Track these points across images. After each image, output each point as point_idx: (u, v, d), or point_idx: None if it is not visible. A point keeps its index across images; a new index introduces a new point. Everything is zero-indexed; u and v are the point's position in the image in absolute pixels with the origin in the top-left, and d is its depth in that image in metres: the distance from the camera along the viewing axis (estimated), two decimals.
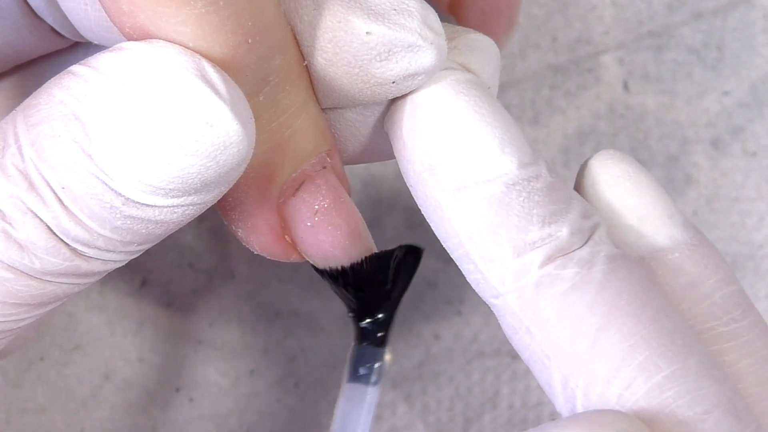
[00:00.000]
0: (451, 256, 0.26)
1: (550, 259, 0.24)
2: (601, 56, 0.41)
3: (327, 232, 0.27)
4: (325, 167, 0.27)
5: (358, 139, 0.28)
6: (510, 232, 0.24)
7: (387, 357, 0.29)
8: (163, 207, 0.23)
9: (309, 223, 0.27)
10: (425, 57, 0.25)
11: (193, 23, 0.22)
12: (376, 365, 0.29)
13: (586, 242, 0.25)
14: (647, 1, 0.41)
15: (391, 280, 0.29)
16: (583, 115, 0.41)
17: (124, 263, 0.24)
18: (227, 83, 0.22)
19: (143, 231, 0.23)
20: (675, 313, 0.24)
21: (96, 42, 0.27)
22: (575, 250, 0.24)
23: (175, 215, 0.23)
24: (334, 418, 0.28)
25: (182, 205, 0.23)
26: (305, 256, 0.27)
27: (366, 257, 0.28)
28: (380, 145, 0.28)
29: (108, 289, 0.39)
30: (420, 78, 0.25)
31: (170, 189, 0.22)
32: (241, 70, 0.23)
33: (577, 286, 0.24)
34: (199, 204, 0.23)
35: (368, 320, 0.29)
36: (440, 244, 0.26)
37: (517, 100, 0.41)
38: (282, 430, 0.40)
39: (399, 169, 0.42)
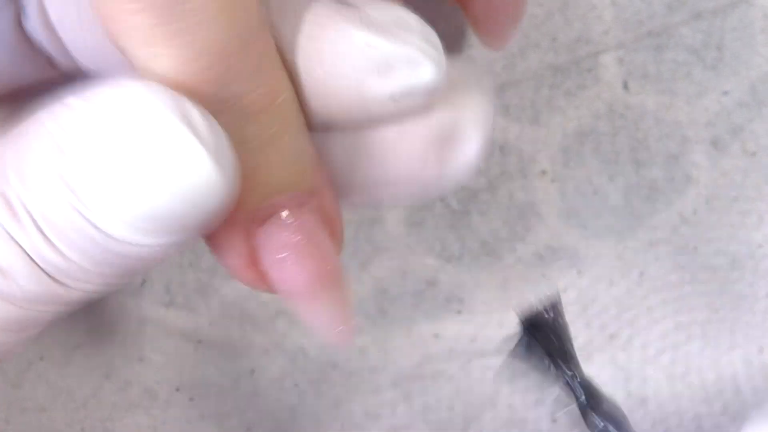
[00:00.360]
0: None
1: None
2: (600, 56, 0.41)
3: (293, 271, 0.26)
4: (301, 205, 0.26)
5: (352, 168, 0.28)
6: None
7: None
8: (143, 245, 0.23)
9: (277, 257, 0.26)
10: (425, 72, 0.25)
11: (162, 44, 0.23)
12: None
13: None
14: (647, 1, 0.41)
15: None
16: (583, 115, 0.41)
17: (103, 295, 0.25)
18: (211, 127, 0.23)
19: (123, 265, 0.23)
20: None
21: (93, 69, 0.27)
22: None
23: (155, 252, 0.23)
24: None
25: (163, 245, 0.23)
26: (273, 290, 0.27)
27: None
28: (378, 176, 0.28)
29: None
30: (420, 97, 0.25)
31: (150, 229, 0.22)
32: (195, 89, 0.24)
33: None
34: (180, 243, 0.23)
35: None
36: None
37: (517, 100, 0.41)
38: (282, 430, 0.40)
39: None
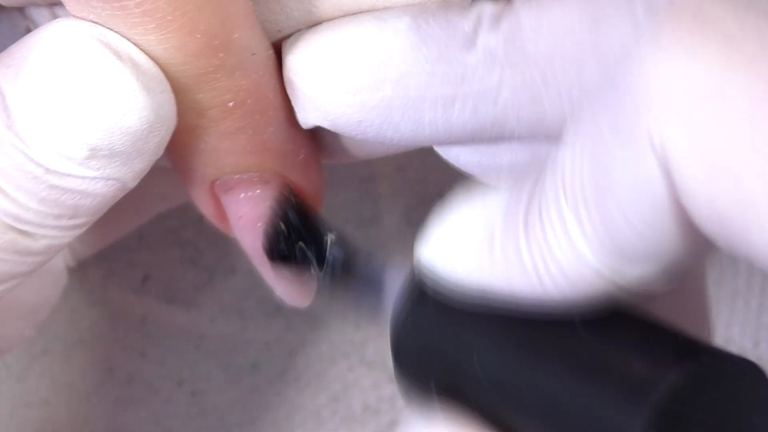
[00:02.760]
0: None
1: (499, 21, 0.24)
2: None
3: (249, 237, 0.28)
4: (265, 182, 0.27)
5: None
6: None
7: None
8: (84, 177, 0.23)
9: (236, 223, 0.28)
10: None
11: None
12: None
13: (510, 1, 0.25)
14: None
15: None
16: None
17: (63, 243, 0.25)
18: (133, 52, 0.23)
19: (70, 202, 0.24)
20: None
21: None
22: (508, 5, 0.24)
23: (97, 186, 0.24)
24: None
25: (101, 177, 0.24)
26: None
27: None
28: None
29: (110, 284, 0.40)
30: None
31: (83, 157, 0.23)
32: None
33: (541, 7, 0.24)
34: (119, 177, 0.24)
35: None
36: None
37: None
38: (283, 424, 0.40)
39: (398, 164, 0.43)
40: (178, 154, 0.26)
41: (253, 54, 0.25)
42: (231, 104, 0.25)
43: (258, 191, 0.27)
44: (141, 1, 0.23)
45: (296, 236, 0.27)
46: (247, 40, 0.25)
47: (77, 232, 0.25)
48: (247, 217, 0.27)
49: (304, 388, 0.40)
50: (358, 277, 0.27)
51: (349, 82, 0.25)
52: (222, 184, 0.27)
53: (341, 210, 0.40)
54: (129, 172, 0.24)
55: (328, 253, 0.27)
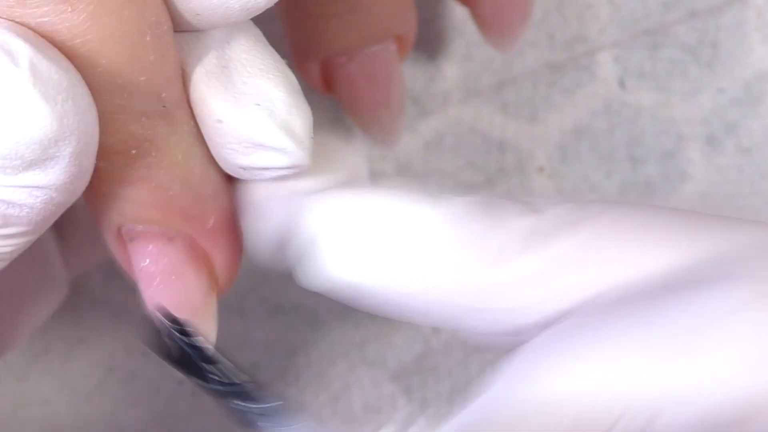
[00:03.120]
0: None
1: (529, 242, 0.24)
2: (597, 54, 0.41)
3: (147, 290, 0.27)
4: (170, 240, 0.26)
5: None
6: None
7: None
8: (2, 186, 0.23)
9: (137, 269, 0.27)
10: (277, 160, 0.25)
11: None
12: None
13: (540, 218, 0.25)
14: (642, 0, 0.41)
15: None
16: (580, 112, 0.41)
17: (4, 252, 0.24)
18: (35, 58, 0.22)
19: (4, 217, 0.23)
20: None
21: None
22: (538, 225, 0.24)
23: (22, 196, 0.23)
24: None
25: (20, 186, 0.23)
26: None
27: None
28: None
29: (112, 283, 0.40)
30: (275, 175, 0.25)
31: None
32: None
33: (575, 231, 0.24)
34: (42, 185, 0.23)
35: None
36: None
37: (515, 98, 0.41)
38: None
39: (398, 164, 0.43)
40: (86, 194, 0.25)
41: (164, 107, 0.24)
42: (134, 152, 0.24)
43: (160, 247, 0.26)
44: (41, 22, 0.22)
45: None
46: (156, 88, 0.24)
47: (18, 241, 0.24)
48: (146, 270, 0.27)
49: (305, 387, 0.40)
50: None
51: (386, 261, 0.25)
52: (127, 232, 0.26)
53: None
54: (52, 182, 0.23)
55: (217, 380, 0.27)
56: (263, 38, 0.26)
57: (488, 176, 0.41)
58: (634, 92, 0.41)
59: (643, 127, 0.41)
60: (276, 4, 0.34)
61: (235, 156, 0.25)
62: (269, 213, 0.26)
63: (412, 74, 0.41)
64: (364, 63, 0.34)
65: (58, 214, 0.24)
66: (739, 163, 0.41)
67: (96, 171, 0.24)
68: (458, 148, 0.41)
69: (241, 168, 0.25)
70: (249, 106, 0.24)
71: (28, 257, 0.30)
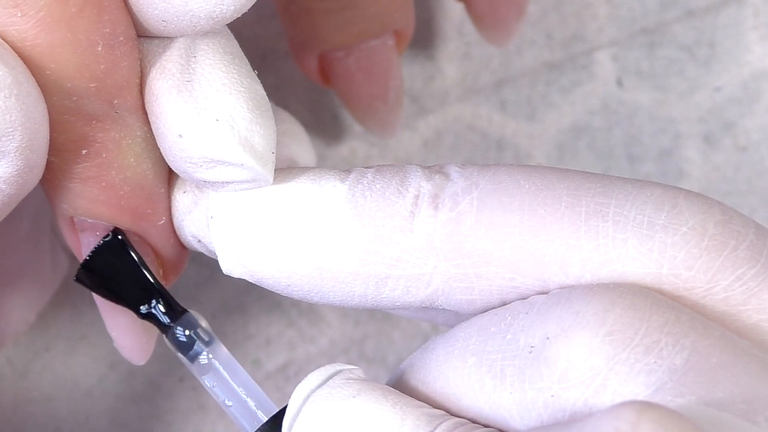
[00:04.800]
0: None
1: (437, 209, 0.24)
2: (595, 53, 0.42)
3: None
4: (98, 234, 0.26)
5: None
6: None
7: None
8: None
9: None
10: (237, 174, 0.25)
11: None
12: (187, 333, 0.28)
13: (448, 180, 0.25)
14: None
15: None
16: (578, 111, 0.41)
17: None
18: None
19: None
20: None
21: None
22: (446, 187, 0.24)
23: None
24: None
25: None
26: None
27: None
28: None
29: None
30: (237, 188, 0.25)
31: None
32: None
33: (482, 201, 0.24)
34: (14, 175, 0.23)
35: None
36: None
37: (513, 96, 0.41)
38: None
39: (398, 162, 0.43)
40: (42, 183, 0.26)
41: (116, 112, 0.25)
42: (84, 152, 0.25)
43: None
44: None
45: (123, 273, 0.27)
46: (107, 95, 0.24)
47: None
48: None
49: None
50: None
51: (281, 248, 0.25)
52: (79, 222, 0.27)
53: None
54: (8, 172, 0.23)
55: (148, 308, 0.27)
56: (235, 49, 0.26)
57: None
58: (631, 91, 0.42)
59: (641, 125, 0.41)
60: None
61: (195, 170, 0.25)
62: (183, 207, 0.27)
63: (411, 73, 0.41)
64: (361, 57, 0.35)
65: (12, 206, 0.24)
66: (735, 161, 0.42)
67: (49, 164, 0.25)
68: (457, 146, 0.41)
69: (202, 181, 0.25)
70: (209, 122, 0.24)
71: (23, 245, 0.30)
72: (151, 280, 0.27)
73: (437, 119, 0.41)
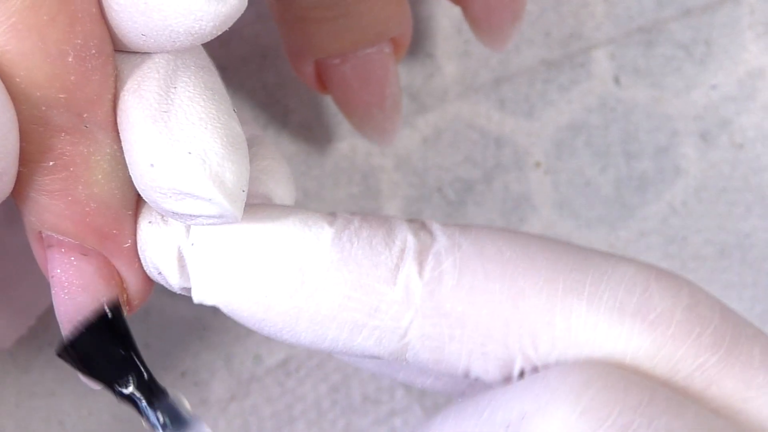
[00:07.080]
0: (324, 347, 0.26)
1: (421, 265, 0.24)
2: (592, 51, 0.42)
3: (56, 299, 0.27)
4: (84, 254, 0.26)
5: None
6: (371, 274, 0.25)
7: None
8: None
9: (50, 276, 0.27)
10: (205, 209, 0.25)
11: None
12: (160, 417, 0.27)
13: (433, 238, 0.25)
14: None
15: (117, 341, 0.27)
16: (576, 109, 0.42)
17: None
18: None
19: None
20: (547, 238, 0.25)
21: None
22: (431, 245, 0.25)
23: None
24: None
25: None
26: None
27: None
28: None
29: None
30: (205, 222, 0.25)
31: None
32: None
33: (464, 264, 0.24)
34: None
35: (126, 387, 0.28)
36: None
37: (512, 94, 0.42)
38: (283, 414, 0.40)
39: (397, 160, 0.43)
40: (13, 194, 0.26)
41: (86, 126, 0.25)
42: (51, 164, 0.25)
43: (73, 259, 0.26)
44: None
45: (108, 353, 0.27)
46: (76, 107, 0.24)
47: None
48: (57, 278, 0.27)
49: (305, 378, 0.40)
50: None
51: (262, 282, 0.25)
52: (46, 238, 0.26)
53: (342, 204, 0.41)
54: None
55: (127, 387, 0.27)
56: (217, 85, 0.26)
57: (485, 171, 0.41)
58: (628, 89, 0.42)
59: (638, 123, 0.42)
60: (270, 5, 0.34)
61: (164, 200, 0.25)
62: (147, 237, 0.27)
63: (410, 71, 0.41)
64: (357, 65, 0.35)
65: None
66: (732, 159, 0.42)
67: (18, 175, 0.24)
68: (456, 144, 0.41)
69: (171, 212, 0.25)
70: (181, 154, 0.24)
71: (24, 250, 0.31)
72: (138, 362, 0.28)
73: (436, 117, 0.41)
